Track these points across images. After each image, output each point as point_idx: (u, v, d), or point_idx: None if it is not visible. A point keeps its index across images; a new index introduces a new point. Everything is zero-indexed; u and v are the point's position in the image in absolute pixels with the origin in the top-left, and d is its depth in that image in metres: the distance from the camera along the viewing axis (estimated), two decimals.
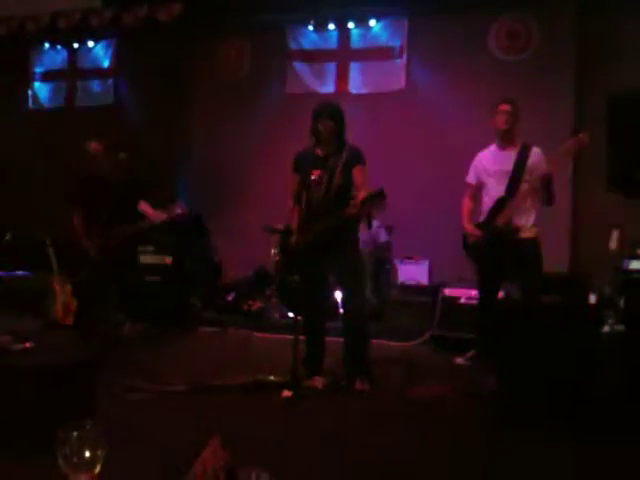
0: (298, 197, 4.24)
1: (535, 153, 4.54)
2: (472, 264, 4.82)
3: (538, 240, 4.55)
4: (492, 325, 4.49)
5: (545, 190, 4.44)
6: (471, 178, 4.82)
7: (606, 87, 5.32)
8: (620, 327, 4.93)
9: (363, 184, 4.11)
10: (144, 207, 5.43)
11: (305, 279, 4.20)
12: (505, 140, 4.62)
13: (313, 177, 4.16)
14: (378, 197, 3.78)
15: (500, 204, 4.55)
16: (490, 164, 4.68)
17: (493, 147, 4.73)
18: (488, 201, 4.67)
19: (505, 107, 4.59)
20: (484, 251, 4.60)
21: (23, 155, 8.73)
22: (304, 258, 4.15)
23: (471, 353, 4.92)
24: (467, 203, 4.82)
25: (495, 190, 4.60)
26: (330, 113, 4.15)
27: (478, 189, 4.77)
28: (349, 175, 4.16)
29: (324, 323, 4.38)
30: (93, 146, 5.51)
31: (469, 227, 4.70)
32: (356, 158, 4.18)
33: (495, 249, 4.54)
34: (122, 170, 5.54)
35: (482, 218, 4.69)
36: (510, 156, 4.57)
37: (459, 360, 4.97)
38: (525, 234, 4.51)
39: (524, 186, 4.49)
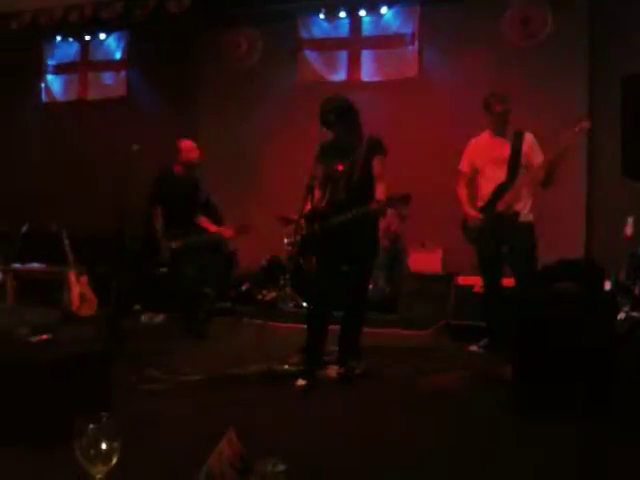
0: (313, 186, 4.28)
1: (528, 138, 4.68)
2: (471, 246, 4.94)
3: (534, 224, 4.70)
4: (501, 309, 4.56)
5: (548, 174, 4.55)
6: (465, 165, 4.93)
7: (620, 71, 5.25)
8: (635, 314, 4.90)
9: (381, 175, 4.17)
10: (204, 221, 5.62)
11: (320, 268, 4.21)
12: (499, 129, 4.74)
13: (338, 168, 4.18)
14: (402, 201, 3.89)
15: (501, 190, 4.67)
16: (486, 151, 4.81)
17: (487, 134, 4.85)
18: (486, 187, 4.78)
19: (501, 107, 4.68)
20: (484, 235, 4.71)
21: (37, 147, 8.79)
22: (322, 247, 4.17)
23: (485, 341, 4.92)
24: (463, 190, 4.92)
25: (494, 176, 4.72)
26: (334, 109, 4.13)
27: (472, 176, 4.90)
28: (369, 165, 4.17)
29: (332, 313, 4.40)
30: (187, 145, 5.55)
31: (471, 211, 4.80)
32: (376, 148, 4.19)
33: (495, 233, 4.67)
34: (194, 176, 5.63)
35: (481, 203, 4.80)
36: (505, 143, 4.71)
37: (473, 347, 4.97)
38: (522, 218, 4.66)
39: (522, 172, 4.63)
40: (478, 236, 4.77)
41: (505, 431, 3.23)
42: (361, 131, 4.23)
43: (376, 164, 4.18)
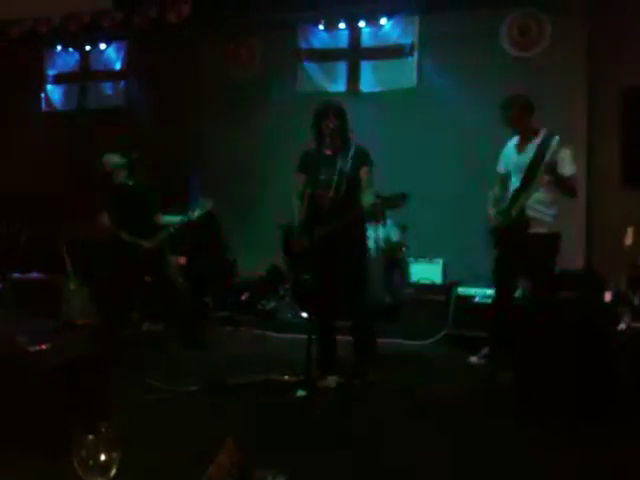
0: (302, 196, 4.27)
1: (554, 144, 4.45)
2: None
3: (553, 236, 4.52)
4: (507, 321, 4.49)
5: (554, 179, 4.40)
6: (500, 167, 4.84)
7: (619, 82, 5.27)
8: (636, 324, 4.89)
9: (369, 186, 4.17)
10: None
11: (316, 278, 4.20)
12: (522, 134, 4.63)
13: (323, 177, 4.17)
14: (398, 199, 3.86)
15: (515, 195, 4.57)
16: (513, 154, 4.70)
17: (517, 137, 4.72)
18: (509, 192, 4.70)
19: (502, 114, 4.63)
20: (499, 240, 4.66)
21: (37, 157, 8.79)
22: (313, 258, 4.16)
23: (485, 351, 4.90)
24: (494, 191, 4.85)
25: (515, 180, 4.62)
26: (336, 112, 4.15)
27: (507, 178, 4.77)
28: (357, 175, 4.18)
29: (335, 322, 4.38)
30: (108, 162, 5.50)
31: (490, 212, 4.76)
32: (363, 158, 4.20)
33: (509, 239, 4.57)
34: (145, 182, 5.59)
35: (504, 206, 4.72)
36: (531, 147, 4.56)
37: (473, 359, 4.94)
38: (538, 229, 4.50)
39: (541, 178, 4.42)
40: (495, 239, 4.72)
41: (506, 439, 3.22)
42: (350, 139, 4.23)
43: (364, 174, 4.18)
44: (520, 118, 4.61)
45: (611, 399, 3.43)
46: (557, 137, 4.46)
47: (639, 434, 3.24)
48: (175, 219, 5.43)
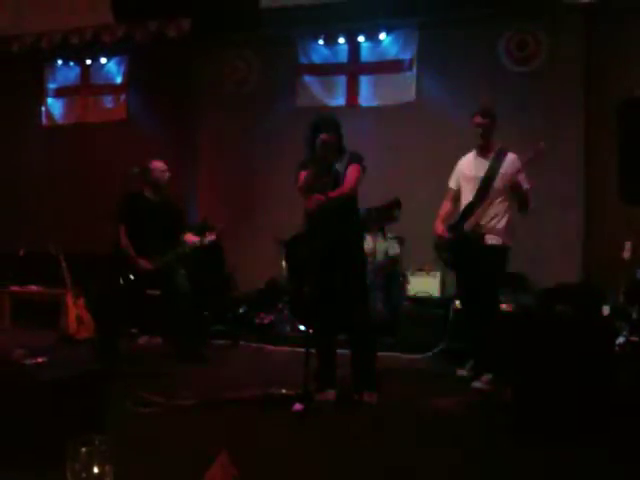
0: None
1: (509, 159, 4.59)
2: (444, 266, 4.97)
3: (505, 248, 4.59)
4: (480, 330, 4.57)
5: (516, 196, 4.53)
6: (452, 182, 4.93)
7: (616, 96, 5.28)
8: (634, 338, 4.88)
9: (351, 180, 4.10)
10: (188, 236, 5.55)
11: (315, 291, 4.19)
12: (483, 148, 4.72)
13: (318, 186, 4.16)
14: (390, 211, 3.84)
15: (469, 210, 4.65)
16: (467, 170, 4.79)
17: (472, 153, 4.82)
18: (462, 206, 4.77)
19: (477, 120, 4.69)
20: (449, 254, 4.74)
21: (37, 170, 8.81)
22: (312, 269, 4.15)
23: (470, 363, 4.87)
24: (445, 206, 4.92)
25: (468, 195, 4.70)
26: (332, 125, 4.14)
27: (459, 193, 4.86)
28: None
29: (335, 336, 4.37)
30: (160, 165, 5.51)
31: (439, 228, 4.79)
32: (353, 159, 4.16)
33: (460, 253, 4.66)
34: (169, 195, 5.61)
35: (453, 221, 4.79)
36: (485, 163, 4.66)
37: (461, 372, 4.93)
38: (491, 240, 4.57)
39: (494, 192, 4.55)
40: (446, 254, 4.79)
41: (505, 453, 3.20)
42: (345, 148, 4.23)
43: (349, 171, 4.11)
44: (492, 130, 4.70)
45: (611, 413, 3.42)
46: (509, 153, 4.59)
47: (639, 449, 3.22)
48: (187, 242, 5.43)
